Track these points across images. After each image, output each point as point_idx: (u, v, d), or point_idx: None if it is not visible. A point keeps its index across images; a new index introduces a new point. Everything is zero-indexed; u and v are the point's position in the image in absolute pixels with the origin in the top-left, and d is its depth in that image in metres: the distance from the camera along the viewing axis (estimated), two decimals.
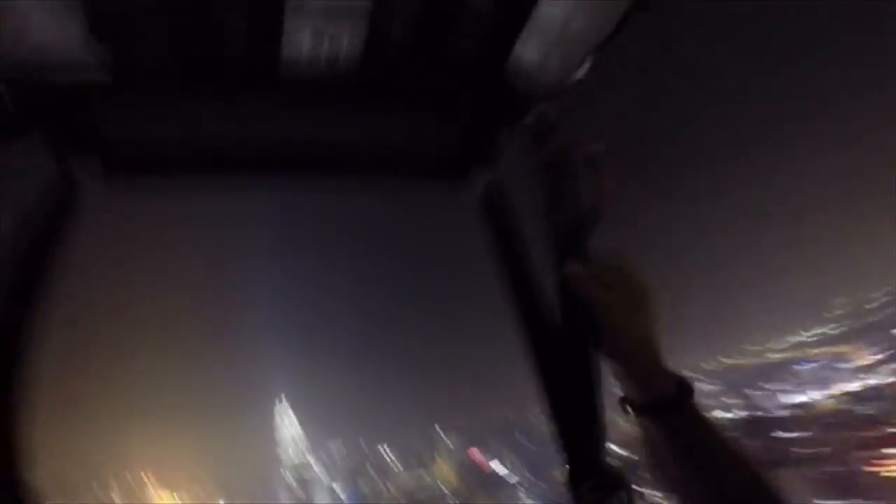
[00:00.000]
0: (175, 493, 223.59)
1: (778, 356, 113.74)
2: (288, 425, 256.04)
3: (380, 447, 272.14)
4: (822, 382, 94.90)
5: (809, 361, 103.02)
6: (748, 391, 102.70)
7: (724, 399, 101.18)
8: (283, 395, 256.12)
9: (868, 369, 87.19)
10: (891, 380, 77.95)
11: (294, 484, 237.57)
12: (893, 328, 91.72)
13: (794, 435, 76.84)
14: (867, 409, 72.93)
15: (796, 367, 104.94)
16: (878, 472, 59.71)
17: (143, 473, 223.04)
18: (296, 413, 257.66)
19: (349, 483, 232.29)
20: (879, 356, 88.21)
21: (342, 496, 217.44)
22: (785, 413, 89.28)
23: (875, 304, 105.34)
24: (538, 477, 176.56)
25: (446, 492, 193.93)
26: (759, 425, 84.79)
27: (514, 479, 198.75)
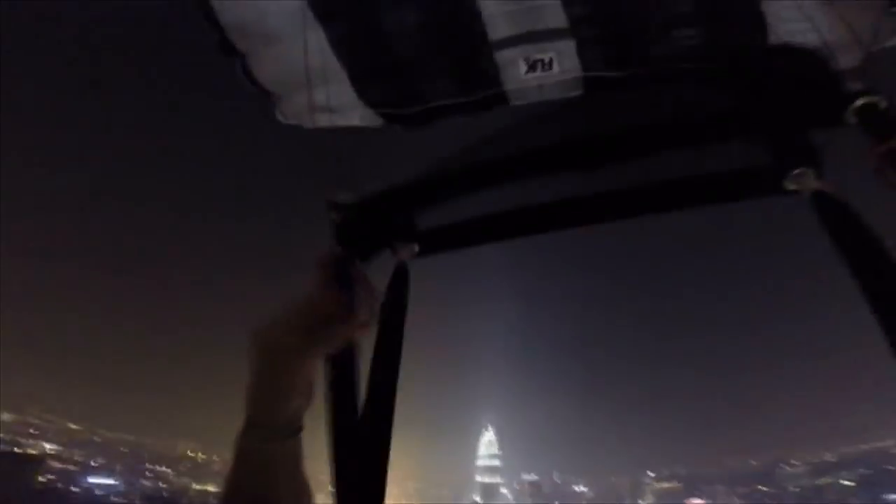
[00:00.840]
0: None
1: None
2: (489, 455, 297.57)
3: (574, 488, 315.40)
4: None
5: None
6: None
7: None
8: (490, 427, 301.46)
9: None
10: None
11: None
12: None
13: None
14: None
15: None
16: None
17: None
18: (500, 441, 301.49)
19: None
20: None
21: None
22: None
23: None
24: None
25: None
26: None
27: None
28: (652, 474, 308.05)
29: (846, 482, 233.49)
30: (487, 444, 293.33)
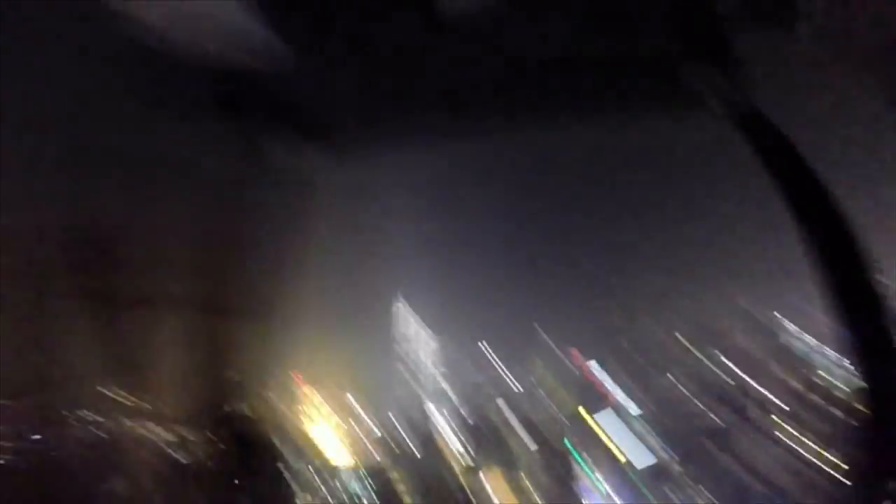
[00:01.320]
0: (317, 390, 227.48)
1: None
2: (406, 324, 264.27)
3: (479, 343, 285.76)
4: None
5: None
6: None
7: None
8: (401, 296, 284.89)
9: None
10: None
11: (410, 379, 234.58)
12: None
13: None
14: None
15: None
16: None
17: (291, 372, 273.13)
18: (415, 311, 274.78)
19: (457, 379, 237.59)
20: None
21: (451, 394, 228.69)
22: None
23: None
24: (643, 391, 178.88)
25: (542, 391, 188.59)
26: None
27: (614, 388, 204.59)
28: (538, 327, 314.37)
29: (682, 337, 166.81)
30: (402, 313, 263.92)
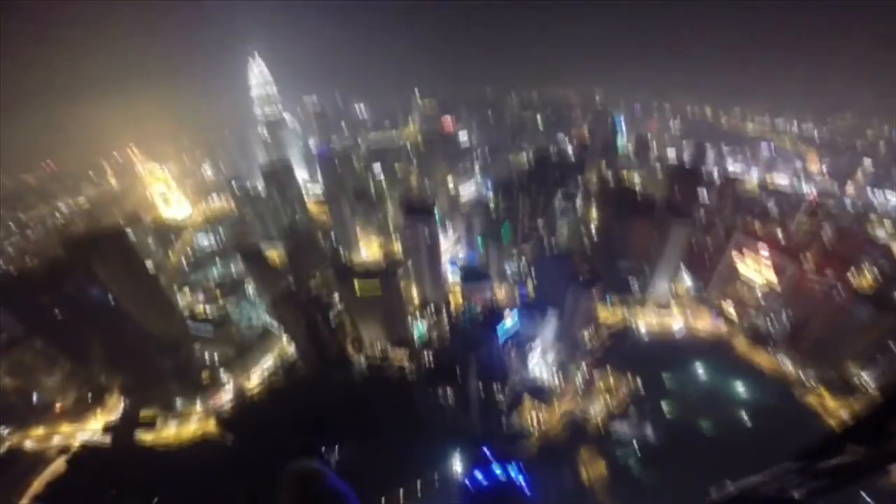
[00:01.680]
0: (163, 165, 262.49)
1: None
2: (262, 83, 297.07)
3: (355, 105, 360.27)
4: None
5: None
6: None
7: None
8: (255, 53, 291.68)
9: None
10: None
11: (269, 140, 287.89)
12: None
13: None
14: None
15: None
16: None
17: (129, 151, 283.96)
18: (271, 70, 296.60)
19: (324, 136, 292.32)
20: None
21: (314, 150, 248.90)
22: None
23: None
24: (494, 154, 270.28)
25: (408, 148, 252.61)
26: None
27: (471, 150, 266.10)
28: (416, 92, 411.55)
29: (539, 118, 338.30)
30: (258, 72, 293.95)
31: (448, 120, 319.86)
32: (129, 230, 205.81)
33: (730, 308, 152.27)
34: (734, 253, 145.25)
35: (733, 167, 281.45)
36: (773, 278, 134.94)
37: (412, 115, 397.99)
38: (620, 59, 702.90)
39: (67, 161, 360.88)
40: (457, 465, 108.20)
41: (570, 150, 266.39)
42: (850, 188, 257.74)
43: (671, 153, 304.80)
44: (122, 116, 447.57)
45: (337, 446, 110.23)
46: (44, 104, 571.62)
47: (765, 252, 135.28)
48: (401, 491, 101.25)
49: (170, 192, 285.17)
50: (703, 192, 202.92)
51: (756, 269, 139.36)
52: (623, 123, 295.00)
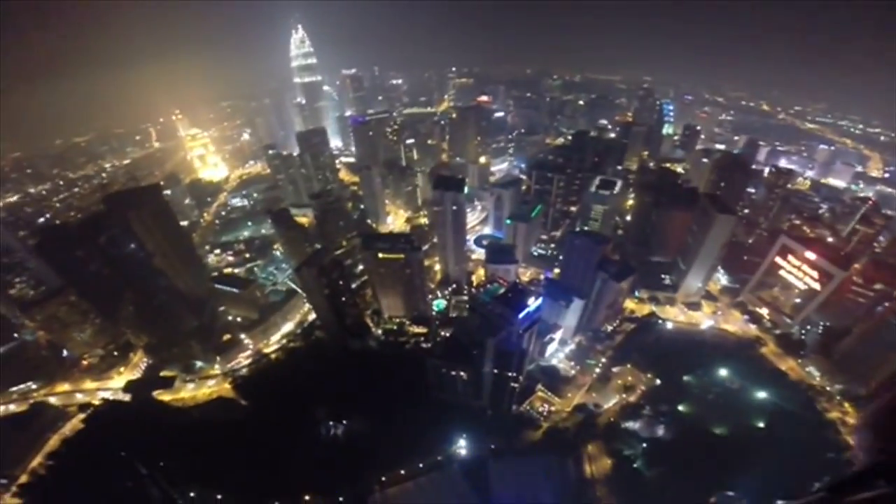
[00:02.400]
0: (204, 130, 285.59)
1: None
2: (304, 54, 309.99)
3: (392, 81, 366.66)
4: None
5: None
6: None
7: None
8: (299, 26, 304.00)
9: None
10: None
11: (307, 109, 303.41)
12: None
13: None
14: None
15: None
16: None
17: (174, 116, 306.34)
18: (313, 43, 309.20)
19: (361, 107, 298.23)
20: None
21: (349, 122, 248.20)
22: None
23: None
24: (529, 134, 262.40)
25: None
26: None
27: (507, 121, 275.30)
28: (454, 70, 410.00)
29: (581, 102, 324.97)
30: (299, 42, 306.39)
31: (484, 97, 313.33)
32: (167, 190, 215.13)
33: (763, 311, 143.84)
34: (778, 254, 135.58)
35: (786, 165, 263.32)
36: (817, 285, 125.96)
37: (448, 91, 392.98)
38: (674, 48, 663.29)
39: (116, 124, 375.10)
40: (461, 449, 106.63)
41: (611, 135, 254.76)
42: None
43: (720, 147, 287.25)
44: (169, 84, 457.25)
45: (345, 420, 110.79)
46: (95, 71, 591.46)
47: (812, 257, 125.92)
48: (402, 472, 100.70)
49: (208, 155, 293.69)
50: (750, 188, 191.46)
51: (800, 273, 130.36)
52: (671, 112, 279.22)
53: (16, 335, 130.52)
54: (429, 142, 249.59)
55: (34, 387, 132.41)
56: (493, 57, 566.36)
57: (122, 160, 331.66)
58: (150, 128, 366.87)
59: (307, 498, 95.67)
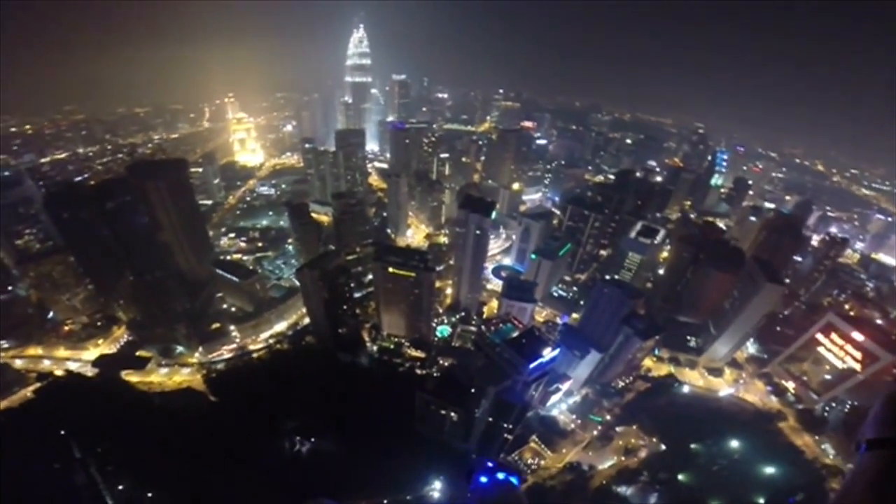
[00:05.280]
0: (252, 117, 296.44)
1: None
2: (360, 53, 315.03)
3: (438, 94, 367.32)
4: None
5: None
6: None
7: None
8: (361, 25, 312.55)
9: None
10: None
11: (351, 108, 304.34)
12: None
13: None
14: None
15: None
16: None
17: (226, 99, 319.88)
18: (370, 44, 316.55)
19: (403, 115, 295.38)
20: None
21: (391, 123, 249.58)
22: None
23: None
24: (569, 167, 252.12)
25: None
26: None
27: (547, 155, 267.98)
28: (501, 92, 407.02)
29: (629, 140, 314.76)
30: (357, 41, 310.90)
31: (528, 123, 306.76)
32: (200, 167, 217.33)
33: (789, 384, 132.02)
34: (821, 331, 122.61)
35: (837, 233, 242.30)
36: (858, 366, 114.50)
37: (491, 113, 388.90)
38: (731, 95, 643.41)
39: (175, 100, 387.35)
40: (435, 492, 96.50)
41: (658, 179, 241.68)
42: None
43: (769, 206, 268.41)
44: (232, 67, 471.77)
45: (313, 438, 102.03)
46: (168, 45, 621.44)
47: (860, 338, 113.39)
48: None
49: (248, 141, 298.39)
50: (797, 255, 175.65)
51: (841, 352, 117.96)
52: (725, 162, 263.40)
53: (10, 287, 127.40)
54: (463, 159, 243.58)
55: (6, 345, 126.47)
56: (543, 85, 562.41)
57: (171, 134, 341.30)
58: (205, 107, 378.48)
59: None
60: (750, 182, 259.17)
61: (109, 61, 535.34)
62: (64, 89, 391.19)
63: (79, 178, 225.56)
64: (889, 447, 4.15)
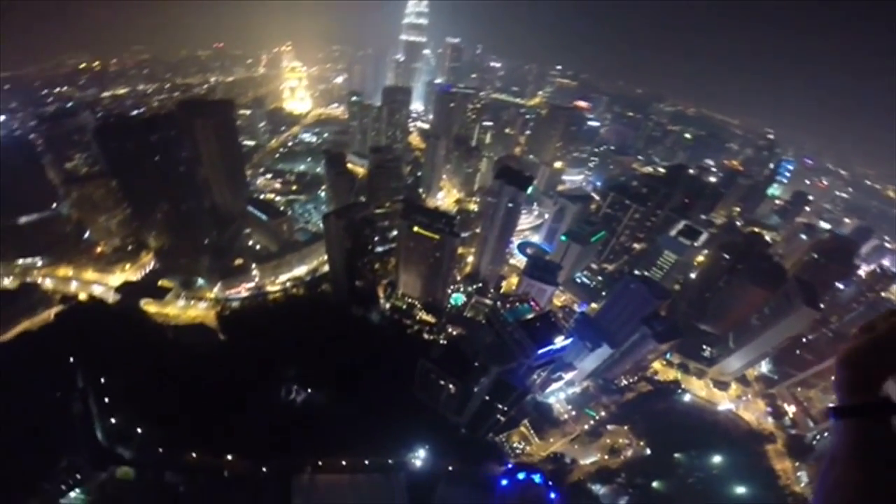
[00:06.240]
0: (305, 66, 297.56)
1: None
2: (417, 13, 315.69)
3: (491, 63, 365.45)
4: None
5: None
6: None
7: None
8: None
9: None
10: None
11: (402, 67, 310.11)
12: None
13: None
14: None
15: None
16: None
17: (283, 47, 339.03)
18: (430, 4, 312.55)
19: (452, 78, 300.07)
20: None
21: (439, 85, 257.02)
22: None
23: None
24: (617, 153, 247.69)
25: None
26: None
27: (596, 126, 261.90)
28: (559, 69, 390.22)
29: (688, 135, 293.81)
30: (416, 3, 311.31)
31: (583, 102, 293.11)
32: (248, 110, 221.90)
33: (791, 408, 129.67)
34: None
35: (891, 266, 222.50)
36: None
37: (544, 88, 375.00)
38: (806, 103, 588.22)
39: (236, 46, 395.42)
40: (417, 460, 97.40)
41: (712, 179, 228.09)
42: None
43: (825, 226, 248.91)
44: (295, 17, 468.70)
45: (309, 389, 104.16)
46: None
47: None
48: (343, 462, 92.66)
49: (299, 89, 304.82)
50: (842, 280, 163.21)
51: None
52: (789, 172, 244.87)
53: (55, 205, 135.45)
54: (507, 130, 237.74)
55: (39, 263, 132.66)
56: (606, 68, 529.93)
57: (227, 77, 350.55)
58: (263, 54, 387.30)
59: (229, 457, 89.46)
60: (811, 197, 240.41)
61: (179, 5, 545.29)
62: (135, 31, 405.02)
63: (135, 112, 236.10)
64: (856, 414, 4.07)
